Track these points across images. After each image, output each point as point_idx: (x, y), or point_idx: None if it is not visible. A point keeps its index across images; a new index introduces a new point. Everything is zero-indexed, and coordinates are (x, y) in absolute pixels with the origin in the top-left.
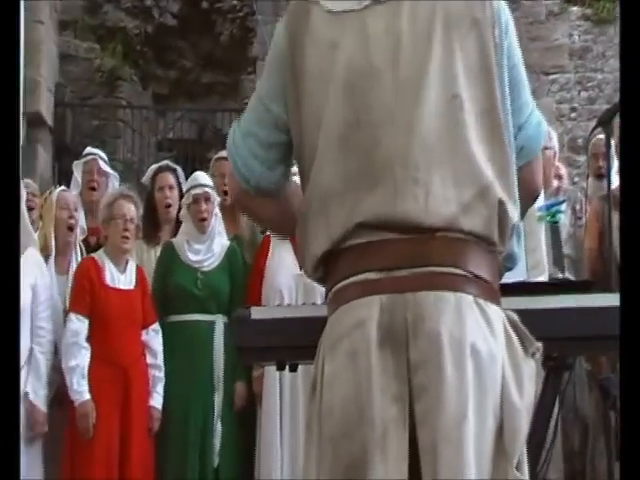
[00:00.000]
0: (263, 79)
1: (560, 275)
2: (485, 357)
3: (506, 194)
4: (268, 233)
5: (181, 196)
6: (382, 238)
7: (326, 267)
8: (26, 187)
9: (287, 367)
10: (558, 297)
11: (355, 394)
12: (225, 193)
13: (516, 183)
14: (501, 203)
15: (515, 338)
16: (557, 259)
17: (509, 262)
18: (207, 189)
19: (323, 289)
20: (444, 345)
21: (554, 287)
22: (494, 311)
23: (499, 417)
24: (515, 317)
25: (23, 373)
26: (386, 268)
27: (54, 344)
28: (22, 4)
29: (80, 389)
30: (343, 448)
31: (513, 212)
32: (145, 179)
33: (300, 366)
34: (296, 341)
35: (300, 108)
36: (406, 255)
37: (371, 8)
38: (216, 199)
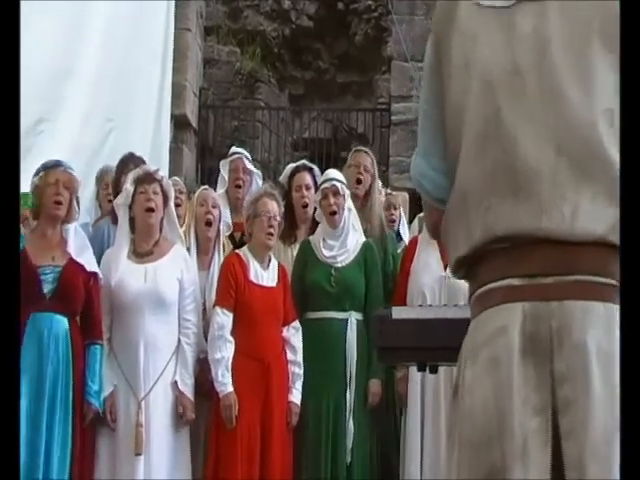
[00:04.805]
0: (422, 90)
1: None
2: None
3: None
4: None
5: None
6: (526, 244)
7: (469, 267)
8: (174, 185)
9: (427, 368)
10: None
11: (495, 402)
12: (358, 182)
13: None
14: None
15: None
16: None
17: None
18: (335, 182)
19: (467, 291)
20: (592, 358)
21: None
22: None
23: None
24: None
25: (172, 363)
26: (530, 275)
27: (200, 336)
28: (173, 13)
29: (225, 381)
30: (482, 456)
31: None
32: (282, 178)
33: (442, 368)
34: (436, 342)
35: (445, 102)
36: (552, 262)
37: (520, 6)
38: (347, 193)
